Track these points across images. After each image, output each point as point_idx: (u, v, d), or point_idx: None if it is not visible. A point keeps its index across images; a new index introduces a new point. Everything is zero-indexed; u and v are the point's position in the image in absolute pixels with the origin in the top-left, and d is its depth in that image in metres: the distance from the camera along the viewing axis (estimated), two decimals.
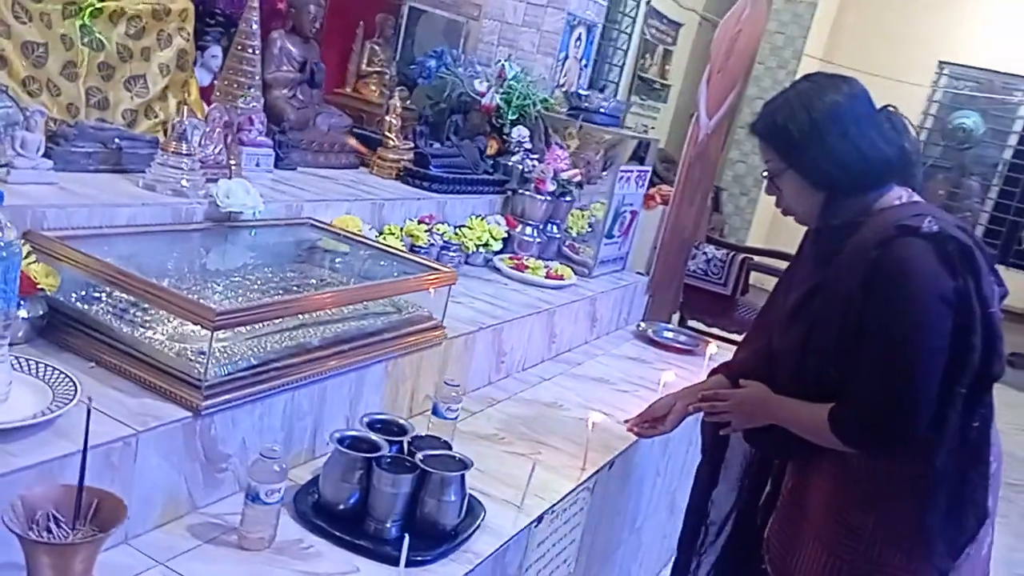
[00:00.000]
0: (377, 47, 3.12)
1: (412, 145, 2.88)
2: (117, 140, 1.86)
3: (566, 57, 3.32)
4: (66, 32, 1.80)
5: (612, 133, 3.02)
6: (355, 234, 2.11)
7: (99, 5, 1.83)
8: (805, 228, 1.70)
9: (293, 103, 2.63)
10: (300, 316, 1.58)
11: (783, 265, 5.19)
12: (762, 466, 1.84)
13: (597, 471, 1.94)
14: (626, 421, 2.00)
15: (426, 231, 2.47)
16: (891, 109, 1.58)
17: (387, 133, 2.82)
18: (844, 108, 1.50)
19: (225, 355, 1.42)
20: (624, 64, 5.84)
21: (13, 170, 1.58)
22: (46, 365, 1.29)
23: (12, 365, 1.24)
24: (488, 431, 2.00)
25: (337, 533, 1.42)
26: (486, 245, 2.75)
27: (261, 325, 1.51)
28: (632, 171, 3.08)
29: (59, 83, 1.81)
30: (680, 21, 6.75)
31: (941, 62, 7.34)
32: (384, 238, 2.32)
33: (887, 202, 1.53)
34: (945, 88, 7.43)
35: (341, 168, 2.75)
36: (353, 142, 2.82)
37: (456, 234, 2.64)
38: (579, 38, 3.36)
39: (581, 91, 3.17)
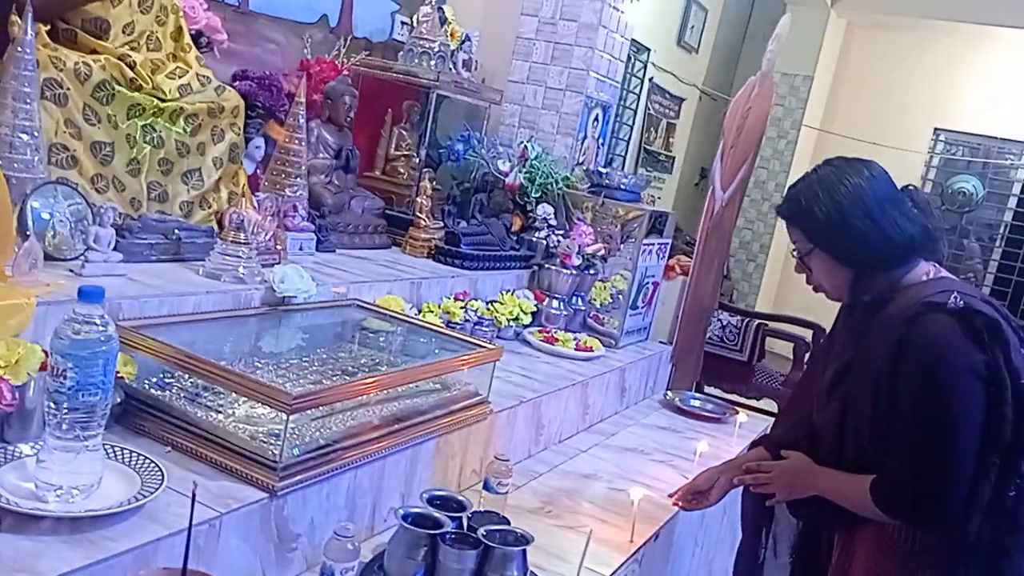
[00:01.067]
0: (404, 132, 3.26)
1: (442, 224, 2.99)
2: (176, 231, 1.95)
3: (585, 137, 3.45)
4: (130, 132, 1.91)
5: (635, 209, 3.12)
6: (399, 313, 2.18)
7: (162, 106, 1.94)
8: (836, 302, 1.73)
9: (330, 188, 2.74)
10: (337, 399, 1.63)
11: (796, 331, 5.27)
12: (811, 538, 1.85)
13: (644, 543, 1.97)
14: (670, 496, 2.04)
15: (461, 308, 2.55)
16: (912, 188, 1.65)
17: (418, 213, 2.93)
18: (866, 190, 1.56)
19: (296, 437, 1.47)
20: (631, 139, 6.02)
21: (88, 264, 1.67)
22: (131, 451, 1.35)
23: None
24: (534, 504, 2.04)
25: None
26: (516, 319, 2.83)
27: (324, 407, 1.57)
28: (654, 244, 3.18)
29: (124, 179, 1.91)
30: (681, 96, 6.97)
31: (936, 129, 7.54)
32: (423, 315, 2.40)
33: (914, 278, 1.58)
34: (941, 154, 7.61)
35: (375, 248, 2.85)
36: None
37: (488, 309, 2.72)
38: (596, 118, 3.50)
39: (601, 169, 3.28)
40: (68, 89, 1.77)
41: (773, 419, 2.04)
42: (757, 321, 4.99)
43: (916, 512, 1.50)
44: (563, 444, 2.51)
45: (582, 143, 3.44)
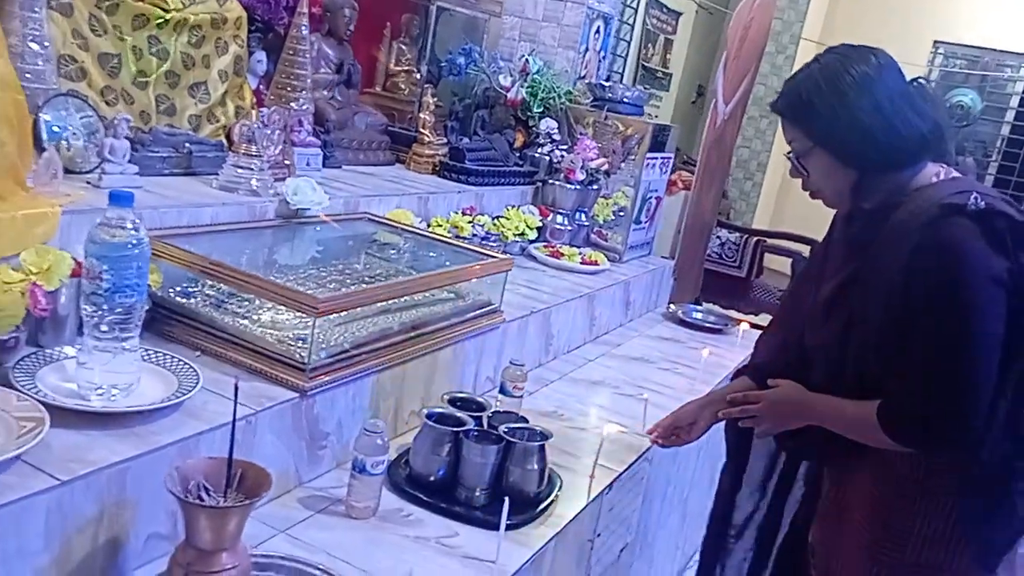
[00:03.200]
0: (404, 46, 3.21)
1: (445, 140, 2.98)
2: (187, 144, 1.95)
3: (587, 49, 3.41)
4: (136, 43, 1.89)
5: (638, 122, 3.11)
6: (409, 226, 2.21)
7: (166, 16, 1.91)
8: (831, 212, 1.57)
9: (333, 104, 2.72)
10: (380, 304, 1.67)
11: (795, 247, 5.29)
12: (789, 467, 1.76)
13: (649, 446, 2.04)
14: (650, 432, 1.85)
15: (469, 222, 2.57)
16: (921, 81, 1.47)
17: (421, 129, 2.91)
18: (874, 79, 1.38)
19: (321, 341, 1.51)
20: (628, 55, 5.93)
21: (104, 175, 1.68)
22: (166, 354, 1.39)
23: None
24: (548, 408, 2.10)
25: (432, 501, 1.52)
26: (522, 234, 2.85)
27: (347, 312, 1.60)
28: (657, 158, 3.18)
29: (132, 92, 1.90)
30: (679, 10, 6.84)
31: (936, 41, 7.45)
32: (432, 229, 2.42)
33: (924, 180, 1.42)
34: (940, 67, 7.54)
35: (379, 164, 2.84)
36: None
37: (495, 224, 2.74)
38: (597, 31, 3.45)
39: (603, 82, 3.26)
40: None
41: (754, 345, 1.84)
42: (756, 237, 5.04)
43: (929, 437, 1.36)
44: (571, 354, 2.57)
45: (583, 56, 3.41)
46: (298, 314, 1.52)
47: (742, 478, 1.80)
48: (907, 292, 1.33)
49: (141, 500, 1.18)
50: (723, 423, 1.75)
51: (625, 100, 3.18)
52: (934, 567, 1.40)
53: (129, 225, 1.21)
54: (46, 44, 1.62)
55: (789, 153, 1.49)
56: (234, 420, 1.12)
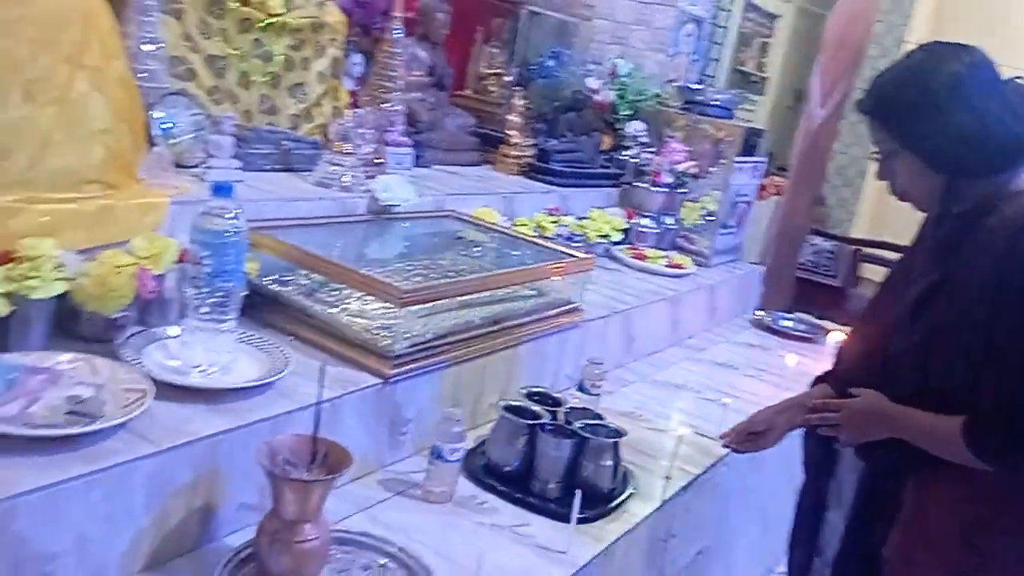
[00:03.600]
0: (495, 50, 3.27)
1: (533, 142, 3.02)
2: (286, 142, 2.05)
3: (677, 52, 3.39)
4: (241, 46, 2.00)
5: (728, 126, 3.07)
6: (494, 224, 2.25)
7: (270, 20, 2.01)
8: (922, 216, 1.50)
9: (425, 105, 2.79)
10: (462, 298, 1.71)
11: (893, 256, 5.12)
12: (877, 482, 1.63)
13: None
14: (723, 436, 1.79)
15: (553, 222, 2.60)
16: (1019, 81, 1.37)
17: (509, 131, 2.96)
18: (966, 79, 1.32)
19: (405, 330, 1.56)
20: (721, 58, 5.83)
21: (209, 170, 1.78)
22: (260, 337, 1.47)
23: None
24: (626, 408, 2.11)
25: (507, 491, 1.56)
26: (606, 236, 2.85)
27: (431, 305, 1.65)
28: (747, 162, 3.13)
29: (237, 92, 2.01)
30: (776, 13, 6.70)
31: None
32: (516, 229, 2.45)
33: (1020, 184, 1.35)
34: None
35: (467, 165, 2.90)
36: None
37: (579, 225, 2.75)
38: (689, 33, 3.43)
39: (693, 85, 3.23)
40: (184, 3, 1.86)
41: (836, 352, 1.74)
42: (852, 246, 4.89)
43: (1015, 454, 1.30)
44: (653, 356, 2.56)
45: (674, 59, 3.39)
46: (384, 304, 1.58)
47: (826, 495, 1.68)
48: (997, 301, 1.27)
49: (233, 471, 1.26)
50: (804, 435, 1.69)
51: (716, 103, 3.15)
52: None
53: (229, 214, 1.29)
54: (159, 46, 1.74)
55: (875, 154, 1.44)
56: (319, 401, 1.18)
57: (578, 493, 1.41)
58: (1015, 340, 1.26)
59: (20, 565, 1.00)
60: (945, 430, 1.34)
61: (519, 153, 2.95)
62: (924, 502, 1.46)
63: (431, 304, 1.61)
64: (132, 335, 1.38)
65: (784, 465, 2.47)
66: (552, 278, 1.97)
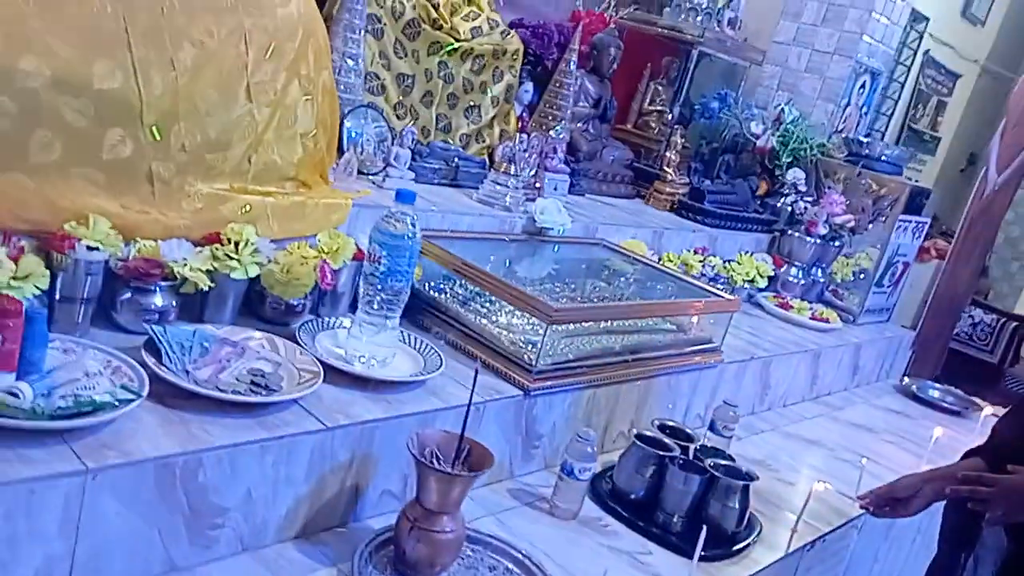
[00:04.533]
0: (660, 87, 3.31)
1: (687, 180, 3.04)
2: (456, 159, 2.18)
3: (848, 104, 3.33)
4: (428, 67, 2.14)
5: (893, 181, 2.98)
6: (642, 257, 2.29)
7: (456, 45, 2.15)
8: None
9: (586, 136, 2.87)
10: (606, 323, 1.77)
11: None
12: (1021, 564, 1.57)
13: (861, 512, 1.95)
14: (860, 497, 1.72)
15: (700, 261, 2.61)
16: None
17: (665, 168, 3.00)
18: None
19: (550, 348, 1.63)
20: (894, 113, 5.62)
21: (388, 178, 1.93)
22: (418, 337, 1.58)
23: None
24: (756, 456, 2.08)
25: (631, 518, 1.59)
26: (752, 281, 2.83)
27: (576, 326, 1.71)
28: (910, 221, 3.03)
29: (419, 108, 2.16)
30: (958, 72, 6.38)
31: None
32: (662, 263, 2.48)
33: None
34: None
35: (620, 197, 2.96)
36: None
37: (726, 268, 2.75)
38: (863, 85, 3.35)
39: (862, 138, 3.16)
40: (384, 24, 2.02)
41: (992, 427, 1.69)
42: (1015, 322, 4.58)
43: None
44: (787, 408, 2.52)
45: (844, 110, 3.32)
46: (531, 320, 1.66)
47: (961, 573, 1.64)
48: None
49: (382, 458, 1.35)
50: (944, 507, 1.64)
51: (883, 158, 3.06)
52: None
53: (409, 220, 1.40)
54: (359, 62, 1.90)
55: None
56: (470, 401, 1.26)
57: (704, 529, 1.42)
58: None
59: (197, 513, 1.13)
60: None
61: (672, 190, 2.98)
62: None
63: (576, 325, 1.67)
64: (307, 321, 1.52)
65: (923, 541, 2.38)
66: (695, 315, 1.99)
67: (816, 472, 2.11)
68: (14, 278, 1.15)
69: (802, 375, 2.56)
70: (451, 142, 2.25)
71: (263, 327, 1.48)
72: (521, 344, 1.66)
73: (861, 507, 1.73)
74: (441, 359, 1.52)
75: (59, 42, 1.23)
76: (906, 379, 3.10)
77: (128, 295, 1.33)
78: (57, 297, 1.24)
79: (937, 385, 3.12)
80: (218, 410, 1.20)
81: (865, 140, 3.12)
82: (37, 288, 1.18)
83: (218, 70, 1.41)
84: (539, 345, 1.58)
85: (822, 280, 3.09)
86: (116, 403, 1.07)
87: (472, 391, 1.27)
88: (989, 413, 2.77)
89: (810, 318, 2.79)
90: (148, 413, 1.13)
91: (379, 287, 1.41)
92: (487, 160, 2.31)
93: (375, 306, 1.43)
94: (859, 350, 2.86)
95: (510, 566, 1.35)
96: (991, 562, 1.59)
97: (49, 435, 1.01)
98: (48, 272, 1.20)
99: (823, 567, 1.85)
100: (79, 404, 1.04)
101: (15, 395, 1.02)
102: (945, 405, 2.96)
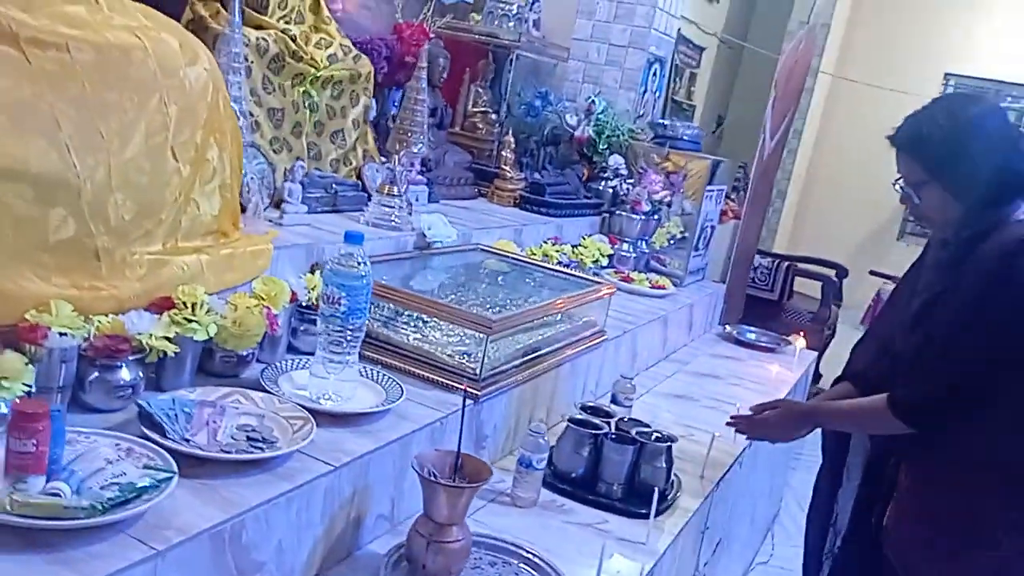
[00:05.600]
0: (480, 90, 3.50)
1: (523, 176, 3.26)
2: (334, 185, 2.22)
3: (645, 91, 3.70)
4: (294, 98, 2.17)
5: (698, 158, 3.39)
6: (516, 255, 2.47)
7: (317, 74, 2.19)
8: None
9: (430, 144, 2.99)
10: (524, 323, 1.93)
11: (822, 271, 5.56)
12: (881, 462, 1.85)
13: (743, 449, 2.28)
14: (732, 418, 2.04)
15: (557, 251, 2.84)
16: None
17: (503, 166, 3.20)
18: (988, 121, 1.55)
19: (490, 357, 1.77)
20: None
21: (285, 215, 1.95)
22: (371, 368, 1.65)
23: None
24: (643, 418, 2.34)
25: (580, 494, 1.78)
26: (596, 261, 3.12)
27: (498, 331, 1.86)
28: (714, 190, 3.46)
29: (290, 140, 2.18)
30: (703, 45, 7.17)
31: (947, 74, 7.77)
32: (529, 257, 2.68)
33: (1012, 218, 1.56)
34: None
35: (465, 198, 3.12)
36: None
37: (575, 252, 3.01)
38: (655, 73, 3.75)
39: (663, 121, 3.55)
40: (252, 62, 2.02)
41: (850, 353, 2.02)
42: (787, 263, 5.31)
43: (934, 419, 1.56)
44: (650, 371, 2.83)
45: (643, 97, 3.70)
46: (464, 332, 1.79)
47: (841, 476, 1.95)
48: (975, 313, 1.51)
49: (375, 485, 1.44)
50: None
51: (685, 138, 3.47)
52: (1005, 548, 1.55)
53: (359, 259, 1.48)
54: (242, 103, 1.90)
55: (898, 182, 1.66)
56: (462, 423, 1.38)
57: (656, 491, 1.64)
58: (961, 328, 1.53)
59: (244, 571, 1.16)
60: (871, 405, 1.63)
61: (513, 186, 3.19)
62: (915, 483, 1.71)
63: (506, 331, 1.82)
64: (264, 368, 1.54)
65: (764, 468, 2.79)
66: (589, 303, 2.21)
67: (695, 422, 2.42)
68: (3, 379, 1.11)
69: (657, 339, 2.89)
70: (322, 169, 2.29)
71: (217, 382, 1.49)
72: (459, 356, 1.78)
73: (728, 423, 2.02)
74: (401, 387, 1.61)
75: (2, 134, 1.17)
76: (727, 327, 3.56)
77: (96, 374, 1.29)
78: (34, 389, 1.19)
79: (751, 328, 3.60)
80: (233, 471, 1.22)
81: (667, 123, 3.51)
82: (25, 385, 1.13)
83: (144, 136, 1.39)
84: (481, 355, 1.71)
85: (647, 251, 3.45)
86: (157, 484, 1.08)
87: (463, 414, 1.39)
88: (802, 346, 3.27)
89: (650, 287, 3.13)
90: (176, 486, 1.14)
91: (341, 326, 1.47)
92: (360, 182, 2.37)
93: (337, 345, 1.49)
94: (692, 308, 3.25)
95: (507, 558, 1.49)
96: (859, 464, 1.93)
97: (103, 529, 1.01)
98: (30, 366, 1.16)
99: (723, 503, 2.16)
100: (124, 492, 1.04)
101: (57, 495, 1.01)
102: (762, 344, 3.43)
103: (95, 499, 1.01)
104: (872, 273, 6.25)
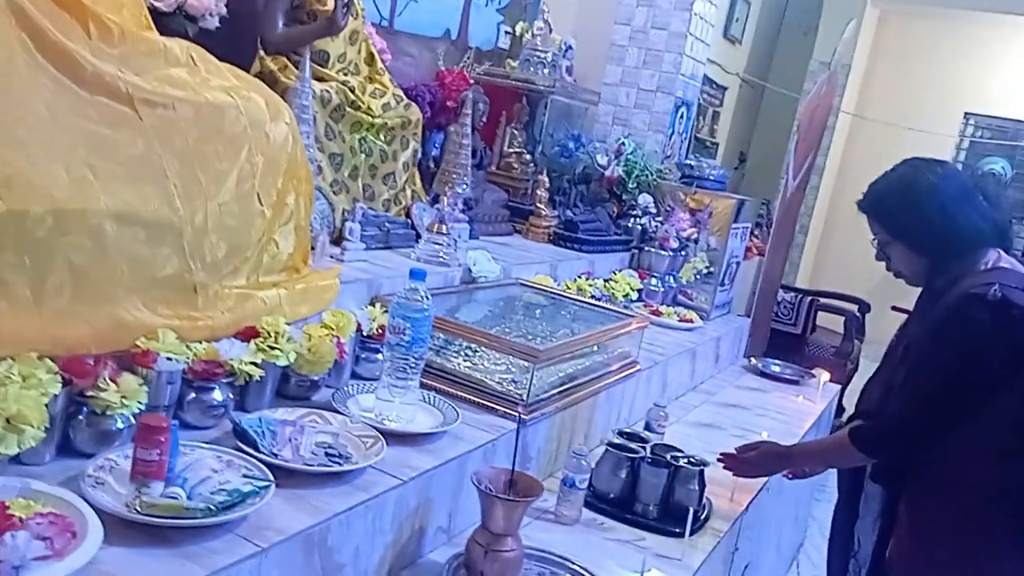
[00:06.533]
0: (516, 131, 3.68)
1: (556, 213, 3.43)
2: (387, 224, 2.39)
3: (672, 132, 3.87)
4: (351, 144, 2.35)
5: (723, 197, 3.54)
6: (553, 290, 2.63)
7: (373, 122, 2.38)
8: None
9: (471, 184, 3.17)
10: (563, 354, 2.07)
11: (844, 306, 5.67)
12: (893, 499, 1.91)
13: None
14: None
15: (590, 285, 2.99)
16: (992, 176, 1.87)
17: (538, 204, 3.37)
18: (940, 188, 1.72)
19: (536, 384, 1.91)
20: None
21: (347, 252, 2.12)
22: (429, 392, 1.80)
23: None
24: (673, 444, 2.47)
25: (618, 513, 1.91)
26: (626, 295, 3.27)
27: (543, 360, 2.01)
28: (739, 227, 3.60)
29: (348, 183, 2.36)
30: (725, 85, 7.36)
31: (967, 113, 7.90)
32: (565, 291, 2.84)
33: (978, 267, 1.72)
34: (971, 137, 7.98)
35: (502, 235, 3.28)
36: None
37: (606, 286, 3.16)
38: (681, 116, 3.92)
39: (690, 161, 3.71)
40: (316, 112, 2.20)
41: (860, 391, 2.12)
42: (810, 297, 5.43)
43: (893, 450, 1.74)
44: (678, 400, 2.95)
45: (670, 139, 3.86)
46: (511, 360, 1.93)
47: (857, 508, 2.03)
48: (924, 358, 1.69)
49: (436, 499, 1.58)
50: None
51: (711, 178, 3.62)
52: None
53: (422, 294, 1.64)
54: (312, 150, 2.08)
55: (874, 241, 1.85)
56: (516, 442, 1.53)
57: (691, 511, 1.77)
58: (915, 368, 1.71)
59: (327, 571, 1.31)
60: (836, 441, 1.83)
61: (547, 223, 3.35)
62: (912, 516, 1.80)
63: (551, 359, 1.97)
64: (335, 392, 1.70)
65: (794, 502, 2.90)
66: (626, 335, 2.35)
67: (721, 449, 2.53)
68: (124, 398, 1.27)
69: (685, 370, 3.02)
70: (376, 209, 2.46)
71: (292, 404, 1.65)
72: (507, 383, 1.92)
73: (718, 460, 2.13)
74: (456, 410, 1.76)
75: (117, 183, 1.35)
76: (752, 359, 3.68)
77: (193, 395, 1.46)
78: (144, 408, 1.35)
79: (776, 360, 3.72)
80: (316, 483, 1.37)
81: (693, 163, 3.67)
82: (139, 404, 1.30)
83: (235, 183, 1.56)
84: (528, 382, 1.86)
85: (674, 286, 3.60)
86: (258, 490, 1.23)
87: (517, 436, 1.53)
88: (826, 379, 3.39)
89: (678, 320, 3.26)
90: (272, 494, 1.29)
91: (405, 354, 1.63)
92: (409, 221, 2.54)
93: (401, 372, 1.64)
94: (719, 341, 3.38)
95: (554, 570, 1.62)
96: (876, 501, 1.99)
97: (216, 528, 1.16)
98: (145, 387, 1.32)
99: (751, 526, 2.27)
100: (232, 497, 1.19)
101: (175, 498, 1.16)
102: (786, 376, 3.55)
103: (208, 502, 1.17)
104: (894, 308, 6.33)
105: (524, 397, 1.86)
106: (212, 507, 1.15)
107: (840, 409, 4.55)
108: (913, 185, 1.75)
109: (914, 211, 1.72)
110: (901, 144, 7.86)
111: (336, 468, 1.40)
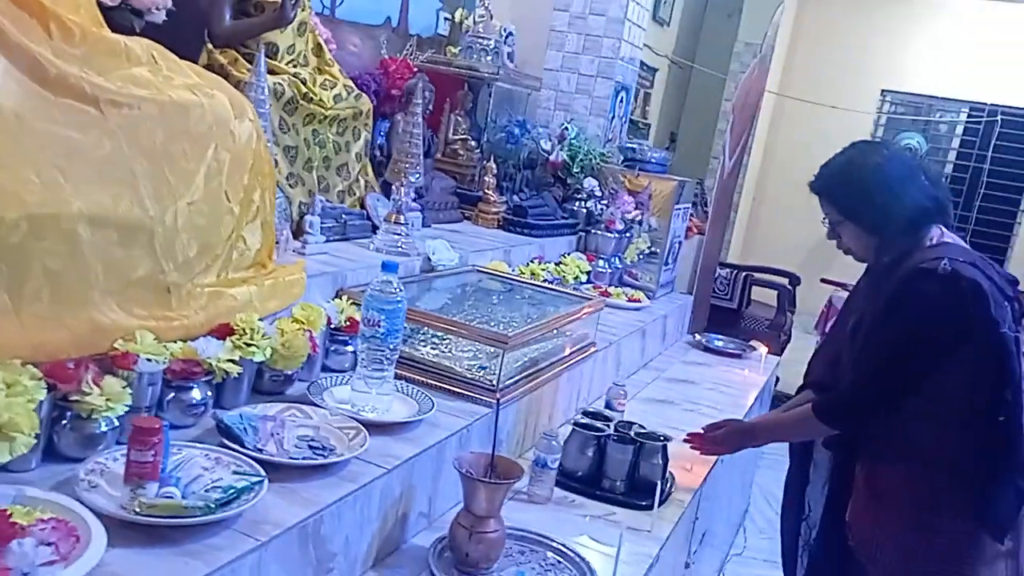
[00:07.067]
0: (459, 118, 3.69)
1: (504, 199, 3.47)
2: (343, 216, 2.40)
3: (613, 116, 3.95)
4: (305, 136, 2.34)
5: (665, 179, 3.64)
6: (509, 275, 2.68)
7: (326, 113, 2.37)
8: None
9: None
10: (531, 339, 2.13)
11: (777, 280, 5.86)
12: (843, 465, 2.00)
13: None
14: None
15: (543, 269, 3.05)
16: (925, 163, 1.93)
17: (486, 191, 3.40)
18: (886, 169, 1.81)
19: (506, 369, 1.96)
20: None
21: (307, 245, 2.12)
22: (402, 383, 1.82)
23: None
24: (632, 420, 2.56)
25: (587, 490, 1.98)
26: (576, 277, 3.33)
27: (512, 346, 2.05)
28: (681, 208, 3.71)
29: (303, 176, 2.35)
30: (655, 67, 7.49)
31: (884, 90, 8.23)
32: (519, 276, 2.88)
33: (926, 242, 1.81)
34: (888, 113, 8.32)
35: (451, 222, 3.31)
36: None
37: (557, 270, 3.22)
38: (621, 100, 3.99)
39: (631, 145, 3.79)
40: (270, 106, 2.19)
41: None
42: (745, 273, 5.61)
43: (853, 421, 1.84)
44: (631, 378, 3.03)
45: (611, 122, 3.94)
46: (478, 347, 1.98)
47: (808, 473, 2.15)
48: (878, 330, 1.77)
49: (418, 486, 1.61)
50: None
51: (652, 160, 3.71)
52: (959, 535, 1.75)
53: (396, 285, 1.66)
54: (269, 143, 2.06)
55: (824, 220, 1.93)
56: (495, 427, 1.58)
57: (657, 485, 1.85)
58: (870, 341, 1.79)
59: (320, 561, 1.33)
60: (799, 415, 1.92)
61: (496, 209, 3.39)
62: (867, 479, 1.89)
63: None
64: (310, 385, 1.71)
65: (740, 471, 3.03)
66: (585, 317, 2.42)
67: (675, 424, 2.63)
68: (108, 400, 1.26)
69: (636, 349, 3.11)
70: (330, 200, 2.46)
71: (267, 399, 1.66)
72: (475, 369, 1.97)
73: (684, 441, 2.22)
74: (430, 398, 1.79)
75: (88, 185, 1.33)
76: (696, 335, 3.80)
77: (172, 394, 1.45)
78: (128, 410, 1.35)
79: (719, 336, 3.86)
80: (305, 476, 1.40)
81: (635, 147, 3.76)
82: (125, 406, 1.29)
83: (203, 181, 1.56)
84: (499, 368, 1.91)
85: (620, 267, 3.68)
86: (251, 486, 1.25)
87: (496, 422, 1.58)
88: (765, 352, 3.53)
89: (627, 300, 3.35)
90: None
91: (380, 346, 1.65)
92: (364, 211, 2.55)
93: (376, 363, 1.67)
94: (665, 319, 3.48)
95: (534, 547, 1.68)
96: (824, 468, 2.13)
97: (215, 525, 1.18)
98: (127, 389, 1.32)
99: (708, 496, 2.38)
100: (227, 493, 1.21)
101: (171, 498, 1.17)
102: (729, 351, 3.69)
103: (205, 500, 1.18)
104: (823, 280, 6.59)
105: (495, 383, 1.91)
106: (210, 505, 1.16)
107: (775, 379, 4.74)
108: (861, 167, 1.83)
109: (862, 192, 1.80)
110: (822, 121, 8.17)
111: (323, 460, 1.42)
